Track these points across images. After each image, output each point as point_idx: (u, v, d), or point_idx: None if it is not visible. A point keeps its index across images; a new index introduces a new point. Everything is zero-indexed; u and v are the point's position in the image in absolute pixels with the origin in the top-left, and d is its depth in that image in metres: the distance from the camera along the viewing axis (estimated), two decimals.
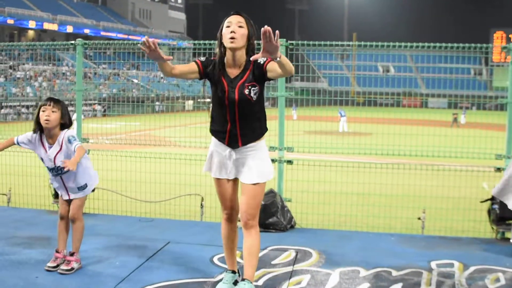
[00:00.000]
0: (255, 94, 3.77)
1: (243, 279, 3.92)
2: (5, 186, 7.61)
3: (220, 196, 4.07)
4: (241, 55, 3.76)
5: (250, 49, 3.78)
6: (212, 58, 3.89)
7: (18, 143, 4.57)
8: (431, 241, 5.85)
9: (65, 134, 4.44)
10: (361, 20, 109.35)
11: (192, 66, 3.81)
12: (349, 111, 24.40)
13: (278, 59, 3.38)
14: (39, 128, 4.44)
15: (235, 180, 4.00)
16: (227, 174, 3.95)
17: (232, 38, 3.67)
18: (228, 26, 3.70)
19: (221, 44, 3.77)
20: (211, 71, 3.81)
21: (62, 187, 4.60)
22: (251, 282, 3.89)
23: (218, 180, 4.01)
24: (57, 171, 4.49)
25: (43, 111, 4.37)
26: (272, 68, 3.65)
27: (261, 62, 3.70)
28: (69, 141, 4.40)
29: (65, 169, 4.22)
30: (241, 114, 3.79)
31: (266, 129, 3.96)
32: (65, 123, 4.46)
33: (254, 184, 3.86)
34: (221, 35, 3.75)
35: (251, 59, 3.50)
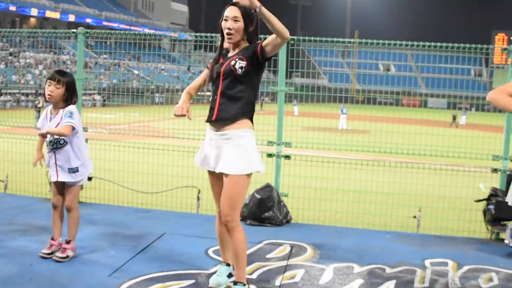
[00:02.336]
0: (240, 67, 3.72)
1: (235, 283, 3.85)
2: (3, 173, 7.61)
3: (212, 190, 4.07)
4: (241, 42, 3.83)
5: (251, 36, 3.81)
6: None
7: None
8: (426, 240, 5.87)
9: (66, 108, 4.47)
10: (363, 18, 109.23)
11: (204, 73, 3.98)
12: (348, 108, 24.45)
13: (257, 9, 3.48)
14: (46, 99, 4.51)
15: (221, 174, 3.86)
16: (209, 164, 3.89)
17: (229, 34, 3.73)
18: (225, 20, 3.74)
19: (222, 33, 3.83)
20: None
21: (53, 165, 4.51)
22: (243, 284, 3.84)
23: (209, 174, 4.00)
24: (52, 145, 4.46)
25: (48, 85, 4.43)
26: (267, 41, 3.67)
27: (256, 43, 3.77)
28: (65, 115, 4.44)
29: (60, 143, 4.39)
30: (223, 87, 3.77)
31: (248, 115, 3.79)
32: (67, 97, 4.47)
33: (232, 176, 3.71)
34: (221, 25, 3.80)
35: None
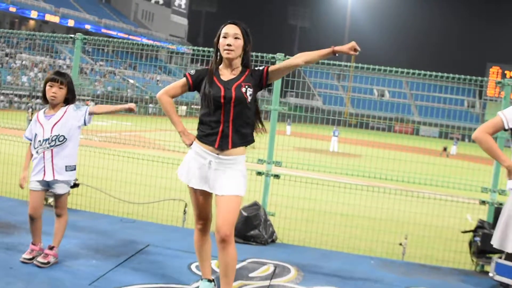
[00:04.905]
0: (250, 95, 3.78)
1: None
2: None
3: (195, 206, 3.99)
4: (236, 62, 3.85)
5: (246, 57, 3.88)
6: (206, 67, 3.99)
7: (28, 139, 4.55)
8: (410, 268, 5.85)
9: (68, 106, 4.52)
10: (361, 43, 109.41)
11: (181, 83, 3.96)
12: (341, 131, 24.54)
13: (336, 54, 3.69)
14: (46, 101, 4.49)
15: (211, 193, 3.92)
16: (204, 185, 3.84)
17: (228, 50, 3.75)
18: (224, 37, 3.77)
19: (217, 51, 3.85)
20: (204, 79, 3.86)
21: (49, 165, 4.41)
22: None
23: (194, 190, 3.92)
24: (50, 143, 4.40)
25: (51, 86, 4.41)
26: (277, 67, 3.82)
27: (260, 69, 3.85)
28: (77, 107, 4.54)
29: (60, 140, 4.38)
30: (235, 113, 3.76)
31: (254, 140, 3.94)
32: (69, 98, 4.51)
33: (231, 196, 3.75)
34: (217, 42, 3.82)
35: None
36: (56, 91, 4.41)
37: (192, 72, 3.95)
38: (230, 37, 3.75)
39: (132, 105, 4.60)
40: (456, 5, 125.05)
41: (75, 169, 4.54)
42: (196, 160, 3.85)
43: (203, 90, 3.84)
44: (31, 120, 4.64)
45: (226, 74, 3.83)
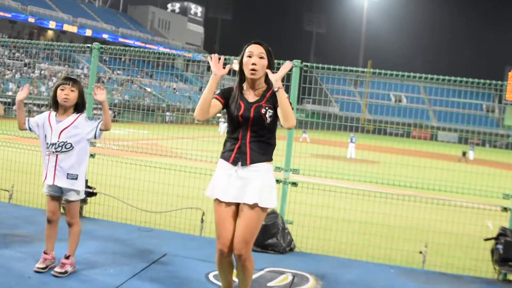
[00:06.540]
0: (270, 116, 3.76)
1: None
2: (8, 182, 7.59)
3: (218, 225, 3.84)
4: (260, 82, 3.84)
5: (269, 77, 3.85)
6: (229, 87, 3.97)
7: (29, 128, 4.57)
8: (431, 277, 5.76)
9: (82, 114, 4.56)
10: (377, 48, 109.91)
11: (216, 104, 3.84)
12: (358, 137, 24.43)
13: (276, 89, 3.61)
14: (55, 107, 4.50)
15: (236, 209, 3.82)
16: (228, 195, 3.77)
17: (253, 70, 3.74)
18: (249, 56, 3.76)
19: (241, 71, 3.83)
20: (230, 97, 3.86)
21: (51, 168, 4.44)
22: None
23: (219, 204, 3.83)
24: (56, 148, 4.42)
25: (62, 89, 4.44)
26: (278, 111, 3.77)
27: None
28: (90, 119, 4.57)
29: (67, 147, 4.38)
30: (253, 132, 3.76)
31: (272, 159, 3.89)
32: (79, 103, 4.53)
33: (254, 207, 3.71)
34: (241, 62, 3.80)
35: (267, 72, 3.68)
36: (68, 93, 4.43)
37: (217, 91, 3.91)
38: (255, 56, 3.75)
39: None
40: (474, 8, 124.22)
41: (76, 178, 4.48)
42: (223, 173, 3.82)
43: (228, 112, 3.85)
44: None
45: (250, 95, 3.82)
